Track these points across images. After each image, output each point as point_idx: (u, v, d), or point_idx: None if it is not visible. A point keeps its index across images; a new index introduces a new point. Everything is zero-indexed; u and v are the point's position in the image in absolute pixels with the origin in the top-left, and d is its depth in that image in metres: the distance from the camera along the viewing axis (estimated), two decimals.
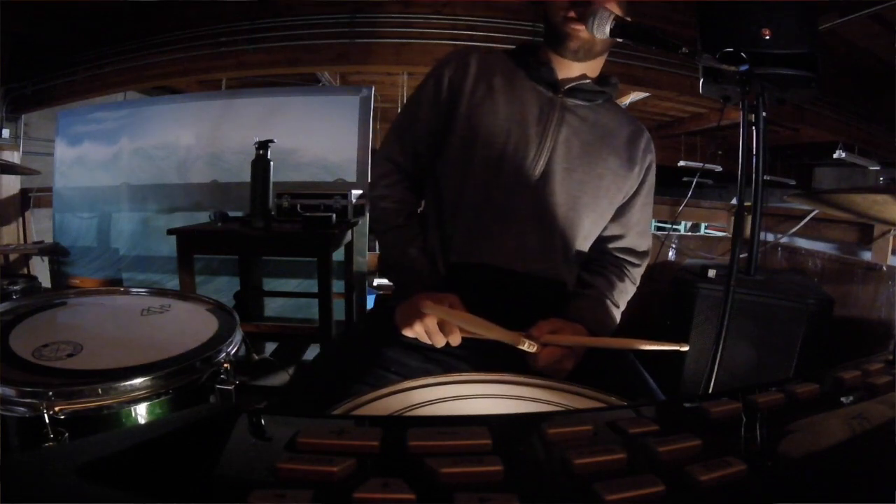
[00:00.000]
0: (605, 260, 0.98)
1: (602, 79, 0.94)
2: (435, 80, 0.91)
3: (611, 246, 0.98)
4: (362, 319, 1.04)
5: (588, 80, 0.90)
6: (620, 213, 0.96)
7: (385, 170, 0.95)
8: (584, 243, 0.94)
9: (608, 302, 0.91)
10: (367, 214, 2.22)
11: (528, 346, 0.72)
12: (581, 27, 0.82)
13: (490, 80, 0.89)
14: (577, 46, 0.85)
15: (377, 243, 0.97)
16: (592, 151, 0.89)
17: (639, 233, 0.97)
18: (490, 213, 0.88)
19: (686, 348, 0.67)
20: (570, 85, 0.89)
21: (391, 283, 0.95)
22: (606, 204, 0.92)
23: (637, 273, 0.98)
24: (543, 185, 0.87)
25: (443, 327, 0.76)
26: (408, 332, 0.79)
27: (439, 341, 0.77)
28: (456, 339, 0.76)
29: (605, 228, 0.96)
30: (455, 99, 0.89)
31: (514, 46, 0.98)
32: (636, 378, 0.82)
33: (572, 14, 0.82)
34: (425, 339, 0.78)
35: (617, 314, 0.93)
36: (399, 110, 0.99)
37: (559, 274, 0.92)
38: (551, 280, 0.91)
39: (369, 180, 2.08)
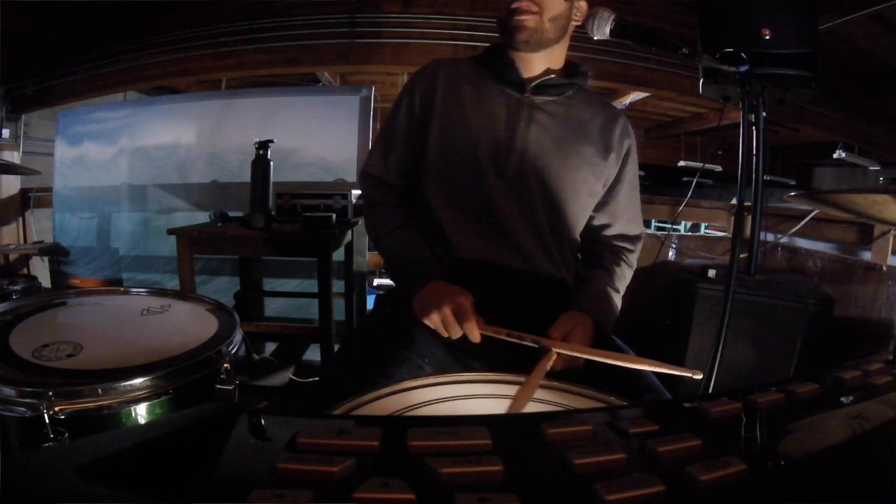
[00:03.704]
0: (599, 248, 0.99)
1: (571, 69, 0.95)
2: (408, 97, 0.94)
3: (603, 234, 0.99)
4: (381, 306, 1.03)
5: (553, 75, 0.92)
6: (606, 202, 0.97)
7: (373, 183, 0.97)
8: (572, 235, 0.96)
9: (610, 291, 0.92)
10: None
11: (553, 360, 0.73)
12: (526, 16, 0.85)
13: (458, 90, 0.92)
14: (527, 37, 0.86)
15: (380, 248, 0.96)
16: (565, 145, 0.91)
17: (628, 219, 0.99)
18: (477, 217, 0.90)
19: (700, 376, 0.66)
20: (536, 82, 0.90)
21: (398, 282, 0.95)
22: (586, 194, 0.94)
23: (633, 257, 0.99)
24: (520, 186, 0.89)
25: (459, 317, 0.76)
26: (427, 322, 0.80)
27: (455, 333, 0.77)
28: (474, 335, 0.76)
29: (594, 218, 0.98)
30: (427, 113, 0.92)
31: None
32: (639, 376, 0.82)
33: (515, 6, 0.85)
34: (442, 331, 0.78)
35: (619, 300, 0.94)
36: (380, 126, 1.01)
37: (555, 268, 0.93)
38: (548, 275, 0.92)
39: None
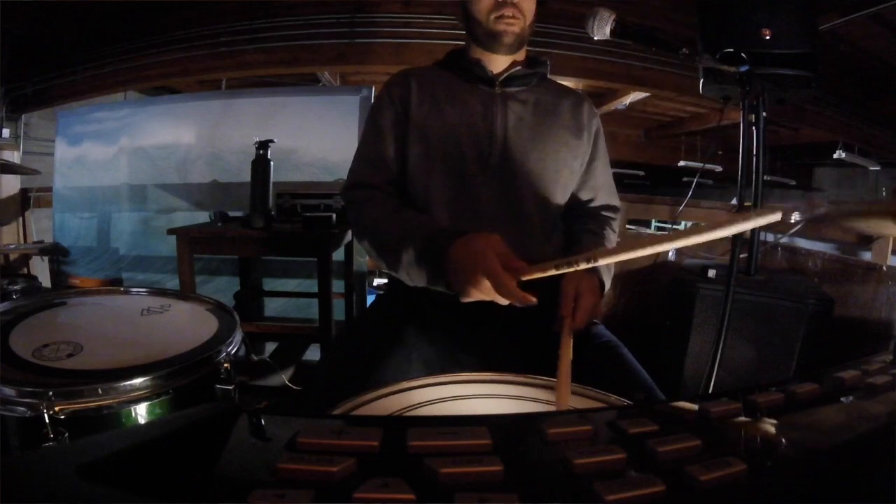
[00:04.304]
0: (584, 219, 1.02)
1: (531, 61, 0.99)
2: (387, 101, 0.95)
3: (587, 207, 1.03)
4: (376, 306, 1.02)
5: (519, 67, 0.96)
6: (586, 179, 1.01)
7: (358, 189, 0.93)
8: (556, 218, 0.98)
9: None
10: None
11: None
12: (512, 21, 0.88)
13: (432, 93, 0.94)
14: (512, 41, 0.91)
15: (373, 245, 0.86)
16: (542, 129, 0.94)
17: (607, 192, 1.03)
18: (463, 213, 0.90)
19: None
20: (505, 75, 0.94)
21: (419, 266, 0.78)
22: (567, 174, 0.97)
23: (615, 224, 1.03)
24: (506, 174, 0.91)
25: (497, 285, 0.63)
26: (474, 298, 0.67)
27: (503, 300, 0.64)
28: (521, 298, 0.63)
29: (577, 196, 1.01)
30: (406, 117, 0.93)
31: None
32: (631, 373, 0.83)
33: (501, 13, 0.88)
34: (493, 296, 0.65)
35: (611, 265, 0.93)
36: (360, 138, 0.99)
37: (542, 254, 0.93)
38: (536, 262, 0.91)
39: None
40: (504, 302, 0.64)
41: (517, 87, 0.96)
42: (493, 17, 0.89)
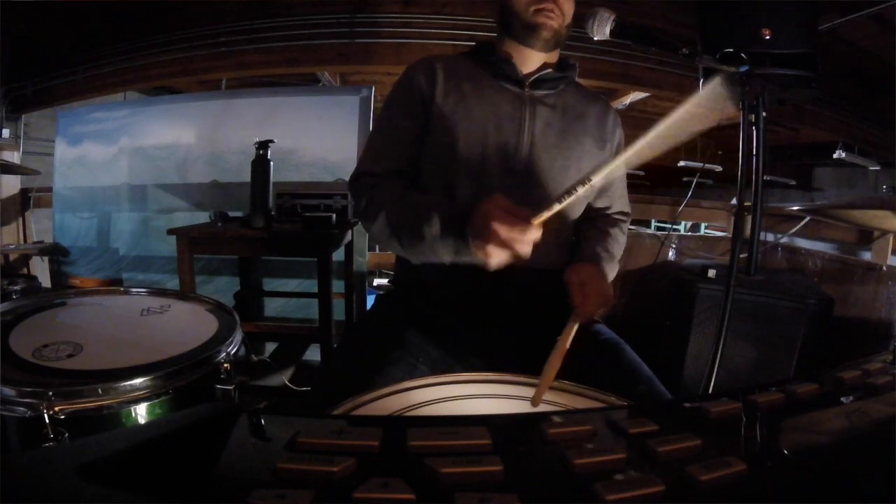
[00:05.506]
0: (595, 219, 1.02)
1: (562, 64, 0.97)
2: (407, 89, 0.92)
3: (601, 214, 1.04)
4: (375, 310, 1.02)
5: (549, 70, 0.93)
6: (603, 189, 1.00)
7: (361, 177, 0.91)
8: (570, 226, 0.98)
9: (604, 249, 0.94)
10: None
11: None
12: (552, 16, 0.86)
13: (459, 85, 0.91)
14: (549, 36, 0.88)
15: (388, 223, 0.83)
16: (568, 137, 0.92)
17: (622, 202, 1.04)
18: None
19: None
20: (534, 77, 0.92)
21: (446, 241, 0.77)
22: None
23: (625, 227, 1.04)
24: (529, 178, 0.89)
25: (512, 238, 0.65)
26: (496, 262, 0.68)
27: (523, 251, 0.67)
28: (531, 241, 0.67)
29: (592, 204, 1.01)
30: (428, 107, 0.90)
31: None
32: (633, 368, 0.83)
33: (542, 7, 0.86)
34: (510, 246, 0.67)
35: (616, 255, 0.97)
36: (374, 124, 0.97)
37: (551, 261, 0.92)
38: (546, 269, 0.91)
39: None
40: (525, 251, 0.66)
41: (546, 91, 0.93)
42: (532, 9, 0.87)
